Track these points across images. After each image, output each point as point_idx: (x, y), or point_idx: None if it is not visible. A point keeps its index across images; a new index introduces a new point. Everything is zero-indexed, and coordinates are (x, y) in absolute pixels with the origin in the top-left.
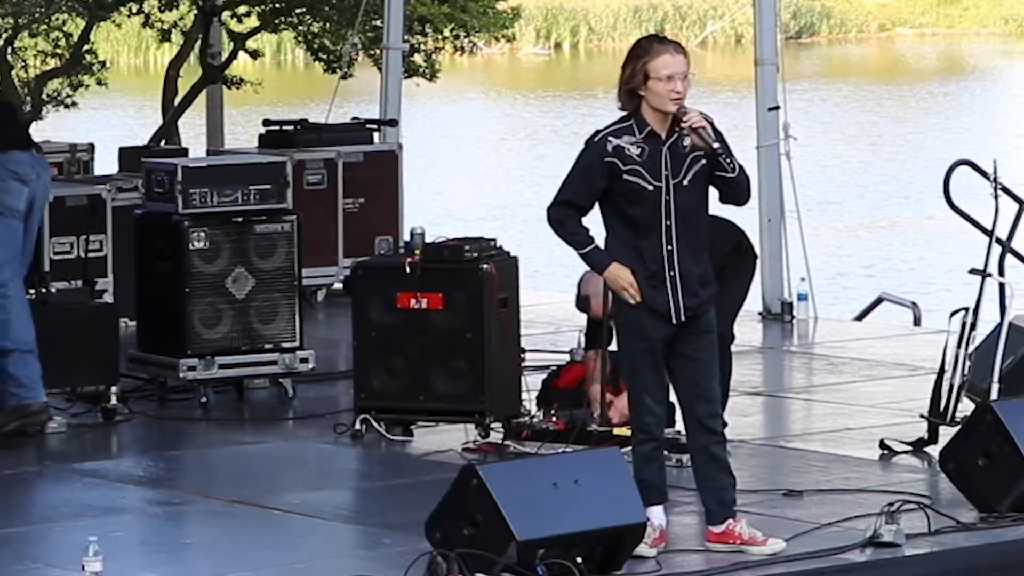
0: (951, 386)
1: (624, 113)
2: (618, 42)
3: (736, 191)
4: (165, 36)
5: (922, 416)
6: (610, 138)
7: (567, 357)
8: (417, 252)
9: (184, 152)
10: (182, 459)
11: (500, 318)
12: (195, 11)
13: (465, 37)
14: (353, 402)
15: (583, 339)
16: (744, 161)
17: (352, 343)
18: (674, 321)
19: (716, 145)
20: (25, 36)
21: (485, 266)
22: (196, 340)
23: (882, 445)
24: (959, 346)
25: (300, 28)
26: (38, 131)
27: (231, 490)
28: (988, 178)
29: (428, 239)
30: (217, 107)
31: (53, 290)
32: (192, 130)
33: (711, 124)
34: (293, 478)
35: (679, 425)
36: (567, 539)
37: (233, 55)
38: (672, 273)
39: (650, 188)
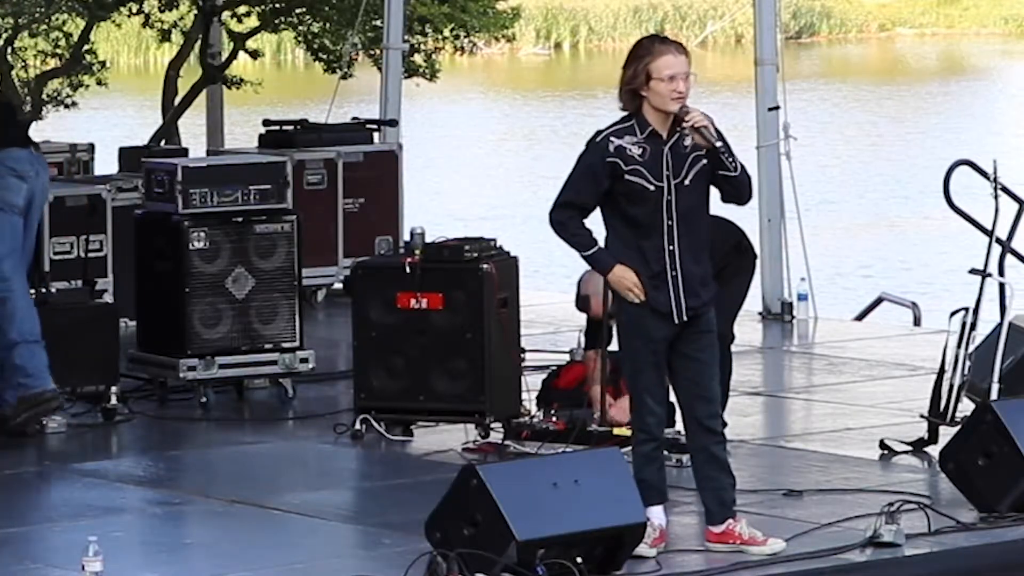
0: (951, 386)
1: (625, 113)
2: (618, 42)
3: (738, 190)
4: (165, 36)
5: (922, 416)
6: (612, 138)
7: (567, 357)
8: (417, 252)
9: (184, 152)
10: (182, 459)
11: (500, 318)
12: (195, 11)
13: (465, 37)
14: (353, 402)
15: (583, 339)
16: (744, 161)
17: (352, 343)
18: (676, 321)
19: (719, 143)
20: (25, 36)
21: (485, 266)
22: (196, 340)
23: (882, 445)
24: (959, 346)
25: (300, 28)
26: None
27: (231, 490)
28: (988, 178)
29: (428, 239)
30: (217, 107)
31: (53, 290)
32: (192, 130)
33: (712, 123)
34: (293, 478)
35: (679, 425)
36: (567, 539)
37: (233, 55)
38: (674, 273)
39: (651, 188)
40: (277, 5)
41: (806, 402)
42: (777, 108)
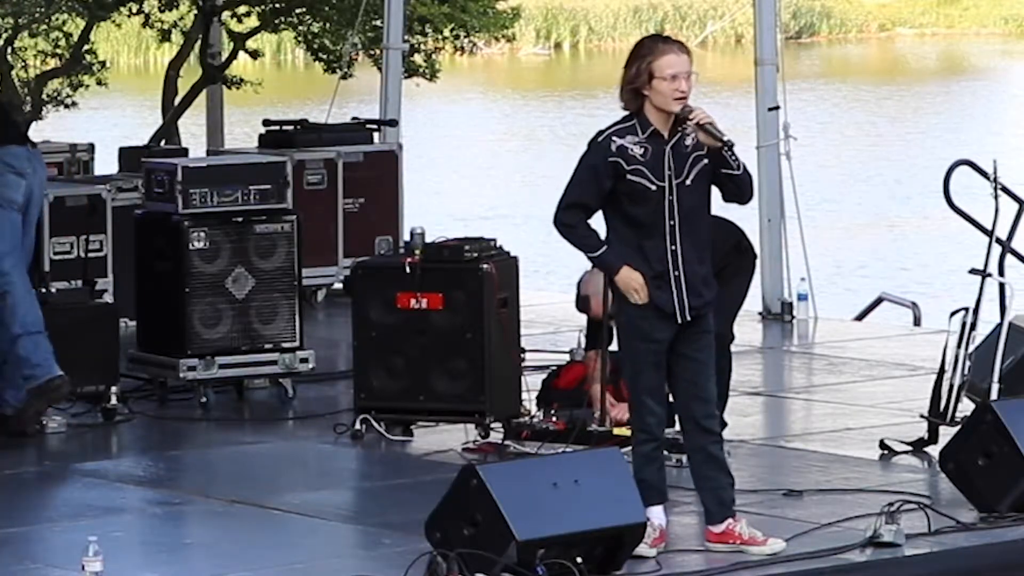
0: (951, 386)
1: (626, 113)
2: (618, 42)
3: (740, 189)
4: (165, 36)
5: (922, 416)
6: (614, 138)
7: (567, 357)
8: (417, 252)
9: (184, 152)
10: (182, 459)
11: (500, 318)
12: (195, 11)
13: (465, 37)
14: (353, 402)
15: (583, 339)
16: (744, 161)
17: (352, 343)
18: (679, 321)
19: (726, 138)
20: (25, 36)
21: (485, 266)
22: (196, 340)
23: (882, 445)
24: (959, 346)
25: (300, 28)
26: (38, 131)
27: (231, 490)
28: (988, 178)
29: (428, 239)
30: (217, 107)
31: (53, 290)
32: (192, 130)
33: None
34: (293, 478)
35: (679, 425)
36: (567, 539)
37: (233, 55)
38: (676, 273)
39: (653, 188)
40: (277, 5)
41: (806, 402)
42: (777, 108)
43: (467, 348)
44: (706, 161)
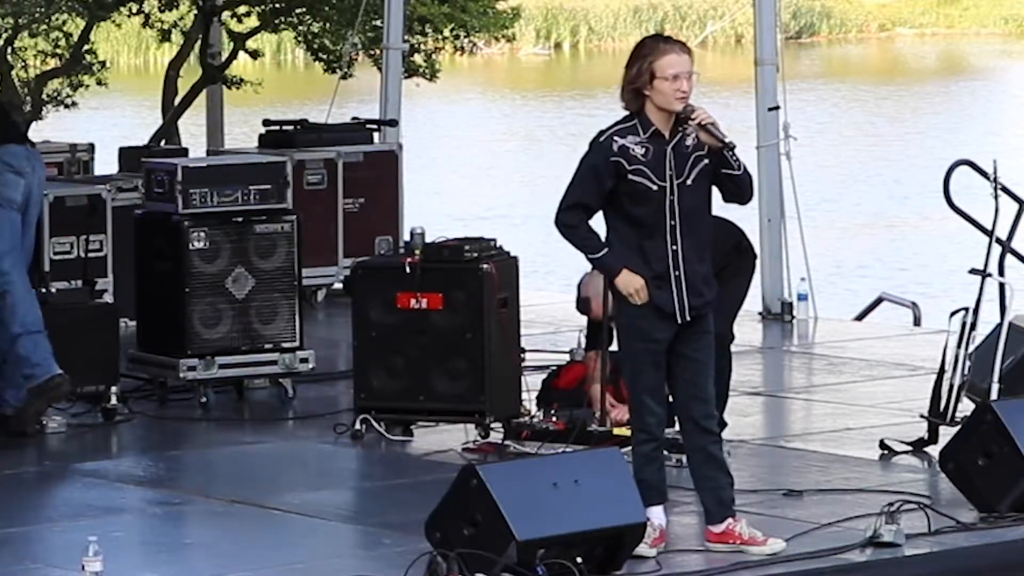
0: (951, 386)
1: (627, 113)
2: (618, 42)
3: (741, 189)
4: (165, 36)
5: (922, 416)
6: (615, 138)
7: (567, 357)
8: (417, 252)
9: (184, 152)
10: (182, 459)
11: (500, 318)
12: (195, 11)
13: (465, 37)
14: (353, 402)
15: (583, 339)
16: (744, 161)
17: (352, 343)
18: (679, 321)
19: (728, 139)
20: (25, 36)
21: (485, 266)
22: (196, 340)
23: (882, 445)
24: (959, 346)
25: (300, 28)
26: (38, 131)
27: (231, 490)
28: (988, 178)
29: (428, 239)
30: (217, 107)
31: (53, 290)
32: (192, 130)
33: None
34: (293, 478)
35: (679, 425)
36: (567, 539)
37: (233, 55)
38: (677, 273)
39: (654, 188)
40: (277, 5)
41: (806, 402)
42: (777, 108)
43: (467, 348)
44: (707, 161)
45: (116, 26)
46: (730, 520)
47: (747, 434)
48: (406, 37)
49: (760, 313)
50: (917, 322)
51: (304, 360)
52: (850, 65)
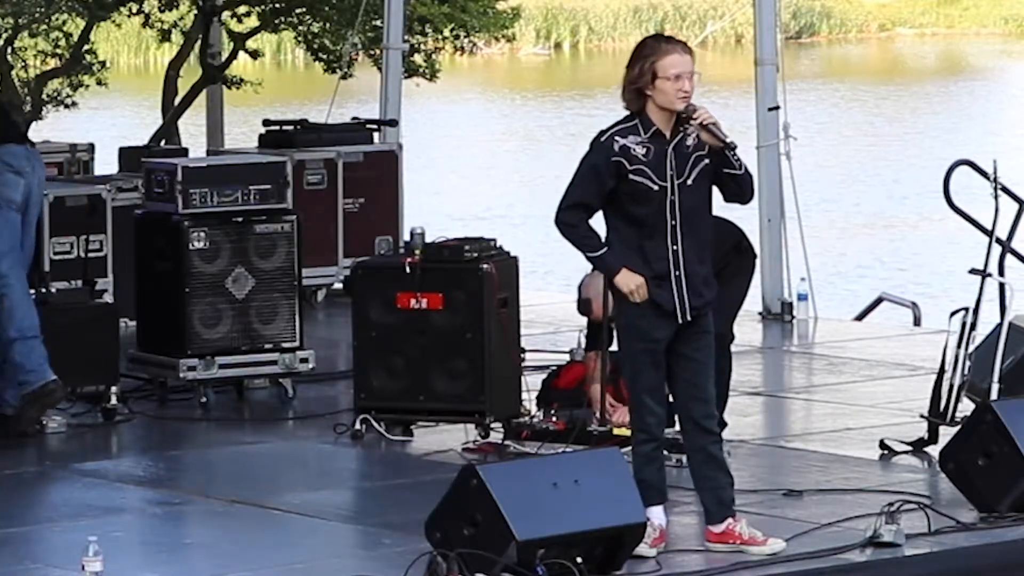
0: (951, 386)
1: (628, 113)
2: (618, 42)
3: (742, 188)
4: (165, 36)
5: (922, 416)
6: (616, 138)
7: (567, 357)
8: (417, 252)
9: (184, 152)
10: (182, 459)
11: (500, 318)
12: (195, 11)
13: (465, 37)
14: (353, 402)
15: (583, 339)
16: (744, 161)
17: (352, 343)
18: (680, 321)
19: (729, 139)
20: (25, 36)
21: (485, 266)
22: (196, 340)
23: (882, 445)
24: (959, 346)
25: (300, 28)
26: (38, 131)
27: (231, 490)
28: (988, 178)
29: (428, 239)
30: (217, 107)
31: (53, 290)
32: (192, 130)
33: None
34: (293, 478)
35: (679, 425)
36: (567, 539)
37: (233, 55)
38: (677, 273)
39: (655, 188)
40: (277, 5)
41: (806, 402)
42: (777, 108)
43: (467, 348)
44: (707, 161)
45: (116, 26)
46: (730, 520)
47: (747, 434)
48: (406, 37)
49: (760, 313)
50: (917, 322)
51: (304, 360)
52: (850, 65)
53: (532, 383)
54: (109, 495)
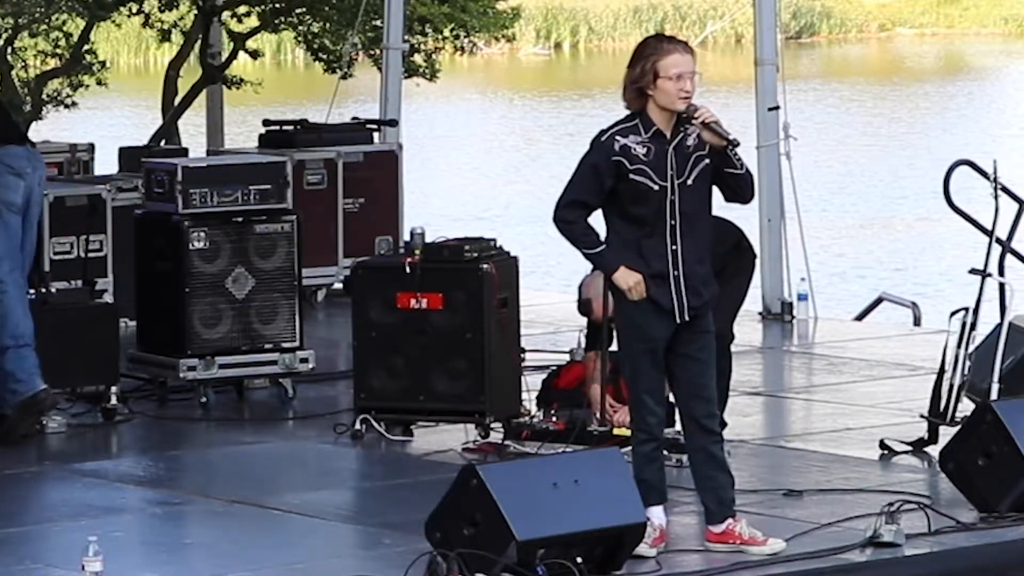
0: (951, 386)
1: (629, 112)
2: (618, 42)
3: (743, 188)
4: (165, 36)
5: (922, 416)
6: (617, 137)
7: (567, 357)
8: (417, 252)
9: (184, 152)
10: (182, 459)
11: (500, 318)
12: (195, 11)
13: (465, 37)
14: (353, 402)
15: (583, 339)
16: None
17: (352, 343)
18: (678, 320)
19: (732, 137)
20: (25, 36)
21: (485, 266)
22: (196, 340)
23: (882, 445)
24: (959, 346)
25: (300, 28)
26: (38, 131)
27: (231, 490)
28: (988, 178)
29: (428, 239)
30: (217, 107)
31: (53, 290)
32: (192, 130)
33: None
34: (293, 478)
35: (679, 425)
36: (567, 539)
37: (233, 55)
38: (676, 272)
39: (655, 188)
40: (277, 5)
41: (806, 402)
42: (777, 108)
43: (467, 348)
44: (707, 161)
45: (116, 26)
46: (730, 520)
47: (747, 434)
48: (406, 37)
49: (760, 313)
50: (917, 322)
51: (304, 360)
52: (850, 65)
53: (532, 383)
54: (109, 495)
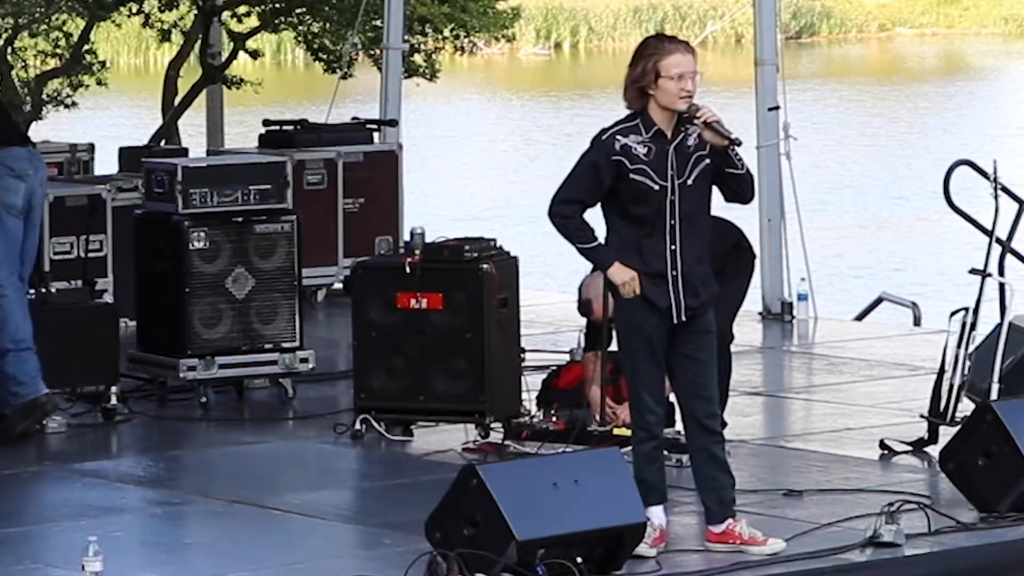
0: (951, 386)
1: (629, 112)
2: (618, 42)
3: (743, 188)
4: (165, 36)
5: (922, 416)
6: (618, 137)
7: (567, 357)
8: (417, 252)
9: (184, 152)
10: (182, 459)
11: (500, 318)
12: (195, 11)
13: (465, 37)
14: (353, 402)
15: (583, 339)
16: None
17: (352, 343)
18: (675, 320)
19: (734, 136)
20: (25, 36)
21: (485, 266)
22: (196, 340)
23: (882, 445)
24: (959, 346)
25: (300, 28)
26: (37, 131)
27: (231, 490)
28: (988, 178)
29: (428, 239)
30: (217, 107)
31: (53, 290)
32: (192, 130)
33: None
34: (293, 478)
35: (679, 425)
36: (567, 539)
37: (233, 55)
38: (675, 272)
39: (656, 188)
40: (277, 5)
41: (806, 402)
42: (777, 108)
43: (467, 348)
44: (708, 161)
45: (116, 26)
46: (730, 520)
47: (747, 434)
48: (406, 37)
49: (760, 313)
50: (917, 322)
51: (304, 360)
52: (850, 65)
53: (532, 383)
54: (109, 495)
